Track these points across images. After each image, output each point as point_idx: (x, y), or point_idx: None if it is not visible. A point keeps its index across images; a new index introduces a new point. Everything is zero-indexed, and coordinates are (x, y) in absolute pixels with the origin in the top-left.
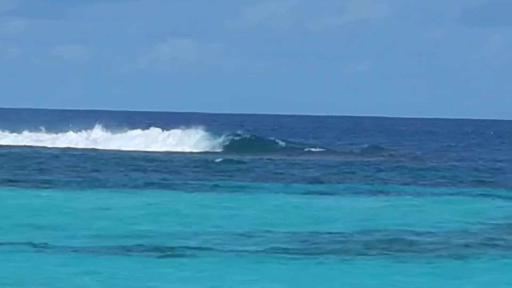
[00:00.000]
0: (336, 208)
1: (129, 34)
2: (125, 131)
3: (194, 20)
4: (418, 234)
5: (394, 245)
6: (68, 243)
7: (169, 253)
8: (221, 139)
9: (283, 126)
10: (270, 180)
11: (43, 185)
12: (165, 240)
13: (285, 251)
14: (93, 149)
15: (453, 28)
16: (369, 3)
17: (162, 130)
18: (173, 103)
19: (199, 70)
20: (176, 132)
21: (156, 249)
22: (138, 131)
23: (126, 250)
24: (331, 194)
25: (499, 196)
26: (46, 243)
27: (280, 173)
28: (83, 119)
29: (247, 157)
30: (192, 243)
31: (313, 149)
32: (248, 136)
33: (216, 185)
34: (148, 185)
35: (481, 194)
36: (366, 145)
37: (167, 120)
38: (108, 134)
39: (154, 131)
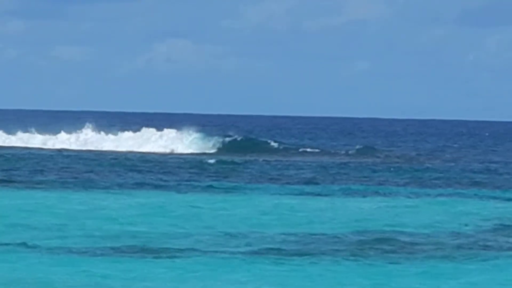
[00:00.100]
0: (330, 209)
1: (128, 35)
2: (119, 132)
3: (192, 20)
4: (412, 234)
5: (388, 246)
6: (62, 244)
7: (162, 253)
8: (214, 140)
9: (279, 127)
10: (264, 181)
11: (36, 186)
12: (158, 240)
13: (279, 251)
14: (87, 150)
15: (451, 28)
16: (367, 3)
17: (156, 131)
18: (172, 104)
19: (197, 71)
20: (170, 133)
21: (149, 249)
22: (131, 132)
23: (120, 250)
24: (325, 195)
25: (493, 197)
26: (39, 244)
27: (274, 174)
28: (78, 120)
29: (240, 158)
30: (185, 244)
31: (307, 150)
32: (241, 137)
33: (209, 186)
34: (142, 186)
35: (475, 195)
36: (361, 146)
37: (165, 121)
38: (102, 135)
39: (148, 131)
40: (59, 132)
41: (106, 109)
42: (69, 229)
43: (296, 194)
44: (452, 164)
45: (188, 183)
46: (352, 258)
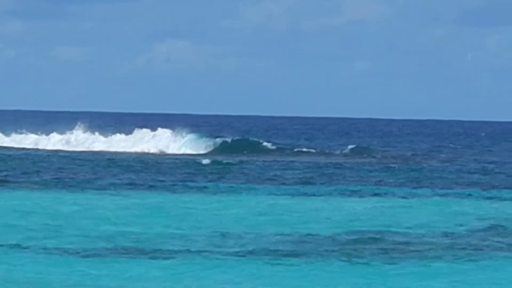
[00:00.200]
0: (325, 209)
1: (128, 35)
2: (110, 134)
3: (192, 20)
4: (407, 234)
5: (383, 246)
6: (57, 244)
7: (158, 254)
8: (209, 141)
9: (276, 128)
10: (259, 182)
11: (31, 187)
12: (153, 241)
13: (274, 252)
14: (81, 151)
15: (451, 28)
16: (367, 3)
17: (151, 131)
18: (172, 104)
19: (196, 71)
20: (164, 133)
21: (144, 250)
22: (127, 131)
23: (115, 251)
24: (320, 195)
25: (489, 198)
26: (34, 244)
27: (269, 175)
28: (76, 120)
29: (235, 159)
30: (180, 244)
31: (302, 150)
32: (236, 138)
33: (204, 187)
34: (136, 186)
35: (470, 195)
36: (356, 146)
37: (164, 121)
38: (93, 136)
39: (141, 132)
40: (51, 132)
41: (106, 110)
42: (64, 230)
43: (291, 195)
44: (448, 164)
45: (183, 183)
46: (347, 258)
